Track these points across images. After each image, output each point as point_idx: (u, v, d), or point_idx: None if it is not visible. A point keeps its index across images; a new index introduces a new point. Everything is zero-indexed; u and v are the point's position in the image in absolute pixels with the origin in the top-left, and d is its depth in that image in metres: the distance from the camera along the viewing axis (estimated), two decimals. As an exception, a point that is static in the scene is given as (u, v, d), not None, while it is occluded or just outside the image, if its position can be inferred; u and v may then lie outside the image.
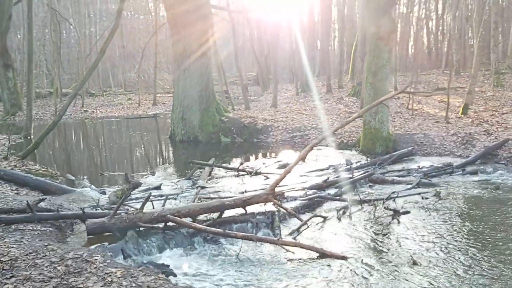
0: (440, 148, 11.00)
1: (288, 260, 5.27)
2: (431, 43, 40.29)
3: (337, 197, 7.50)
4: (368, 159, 10.76)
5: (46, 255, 4.39)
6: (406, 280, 4.61)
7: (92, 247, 5.18)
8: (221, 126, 15.13)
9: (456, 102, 16.94)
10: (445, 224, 6.29)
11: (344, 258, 5.19)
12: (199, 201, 7.03)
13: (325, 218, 6.69)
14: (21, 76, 29.53)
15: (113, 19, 12.48)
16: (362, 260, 5.15)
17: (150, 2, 44.09)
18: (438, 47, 38.28)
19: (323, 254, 5.31)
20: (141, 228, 5.80)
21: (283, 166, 9.80)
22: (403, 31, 37.47)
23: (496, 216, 6.61)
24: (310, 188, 8.01)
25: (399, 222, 6.46)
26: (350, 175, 8.52)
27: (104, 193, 8.27)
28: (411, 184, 8.27)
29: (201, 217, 6.25)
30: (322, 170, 9.78)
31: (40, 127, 17.88)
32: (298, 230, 6.24)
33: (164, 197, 7.13)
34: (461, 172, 9.17)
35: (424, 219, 6.50)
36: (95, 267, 4.13)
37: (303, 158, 6.70)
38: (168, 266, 4.91)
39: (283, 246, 5.46)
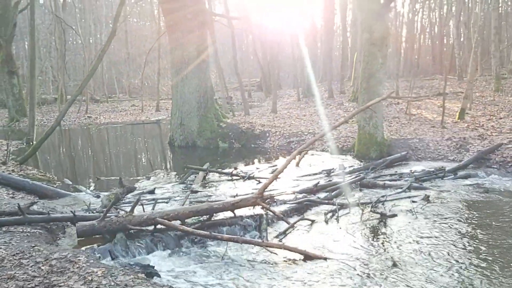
0: (434, 153, 11.06)
1: (272, 262, 5.37)
2: (436, 48, 40.33)
3: (326, 201, 7.58)
4: (362, 164, 10.84)
5: (32, 256, 4.53)
6: (385, 280, 4.70)
7: (82, 248, 5.32)
8: (219, 131, 15.29)
9: (456, 107, 16.96)
10: (430, 227, 6.36)
11: (325, 259, 5.30)
12: (190, 204, 7.16)
13: (312, 221, 6.79)
14: (27, 82, 29.97)
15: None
16: (344, 261, 5.24)
17: (155, 9, 44.53)
18: (442, 52, 38.28)
19: (306, 256, 5.41)
20: (131, 231, 5.93)
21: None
22: (407, 37, 37.67)
23: (482, 218, 6.68)
24: (301, 192, 8.11)
25: (385, 225, 6.55)
26: (342, 180, 8.62)
27: (98, 197, 8.42)
28: (401, 188, 8.34)
29: (191, 220, 6.38)
30: (315, 174, 9.88)
31: (43, 133, 18.12)
32: (284, 233, 6.35)
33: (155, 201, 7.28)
34: (452, 176, 9.22)
35: (410, 222, 6.58)
36: (77, 267, 4.26)
37: (289, 163, 6.80)
38: (153, 266, 5.02)
39: (268, 248, 5.57)
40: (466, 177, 9.17)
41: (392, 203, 7.48)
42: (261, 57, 33.06)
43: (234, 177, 9.87)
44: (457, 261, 5.15)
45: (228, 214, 6.47)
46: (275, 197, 7.44)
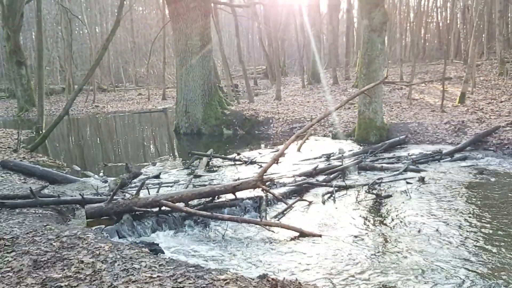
0: (433, 136, 11.26)
1: (270, 240, 5.68)
2: (443, 33, 40.03)
3: (324, 183, 7.86)
4: (362, 148, 11.09)
5: (44, 234, 4.88)
6: (374, 256, 4.99)
7: (91, 228, 5.67)
8: (224, 119, 15.57)
9: (458, 91, 17.03)
10: (423, 206, 6.63)
11: (320, 236, 5.61)
12: (193, 187, 7.48)
13: (310, 202, 7.09)
14: (35, 73, 30.37)
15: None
16: (339, 238, 5.55)
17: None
18: (447, 37, 38.02)
19: (302, 233, 5.72)
20: (136, 212, 6.27)
21: (278, 155, 10.19)
22: (413, 22, 37.40)
23: (476, 198, 6.93)
24: (300, 175, 8.39)
25: (380, 205, 6.83)
26: (340, 163, 8.89)
27: (106, 182, 8.77)
28: (398, 170, 8.59)
29: (195, 202, 6.71)
30: (315, 158, 10.14)
31: (52, 122, 18.51)
32: (283, 213, 6.67)
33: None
34: (449, 158, 9.44)
35: (403, 202, 6.86)
36: (86, 243, 4.60)
37: (288, 147, 7.07)
38: (157, 244, 5.36)
39: (266, 226, 5.88)
40: (462, 159, 9.38)
41: (388, 185, 7.77)
42: (266, 45, 33.11)
43: (237, 162, 10.19)
44: (448, 236, 5.42)
45: (230, 196, 6.79)
46: (275, 180, 7.78)
